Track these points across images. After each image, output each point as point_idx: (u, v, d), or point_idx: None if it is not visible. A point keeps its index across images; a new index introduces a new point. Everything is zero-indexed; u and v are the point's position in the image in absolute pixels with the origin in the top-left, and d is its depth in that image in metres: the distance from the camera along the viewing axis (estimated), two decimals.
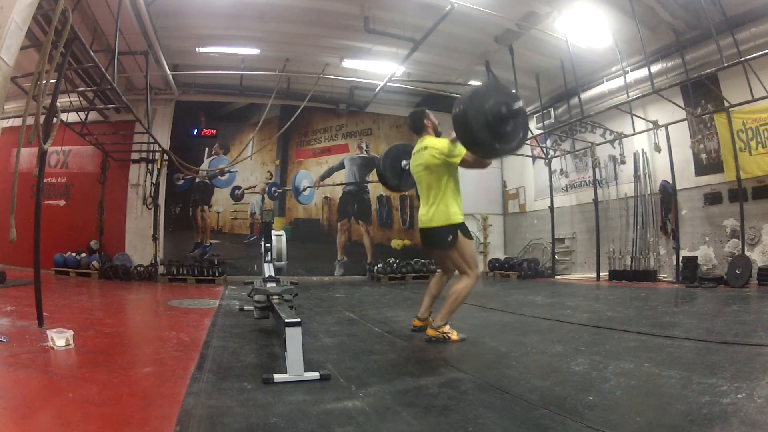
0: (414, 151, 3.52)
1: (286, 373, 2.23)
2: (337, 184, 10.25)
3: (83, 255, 8.37)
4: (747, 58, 5.70)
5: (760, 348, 2.64)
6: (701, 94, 6.97)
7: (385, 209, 10.42)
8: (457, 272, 3.42)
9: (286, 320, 2.33)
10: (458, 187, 3.32)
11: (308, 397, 2.00)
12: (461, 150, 3.12)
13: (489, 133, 2.76)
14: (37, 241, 3.62)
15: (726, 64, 5.85)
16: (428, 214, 3.32)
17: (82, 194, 8.95)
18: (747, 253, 6.34)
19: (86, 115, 7.04)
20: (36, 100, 3.31)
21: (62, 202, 9.03)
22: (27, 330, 3.23)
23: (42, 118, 3.43)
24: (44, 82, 3.32)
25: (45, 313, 3.46)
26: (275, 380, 2.18)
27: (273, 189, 9.93)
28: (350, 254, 10.09)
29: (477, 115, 2.72)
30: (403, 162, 3.91)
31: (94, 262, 8.24)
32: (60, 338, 2.76)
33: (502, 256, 10.96)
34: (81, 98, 6.68)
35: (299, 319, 2.34)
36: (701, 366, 2.32)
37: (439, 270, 3.66)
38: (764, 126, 6.28)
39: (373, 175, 10.45)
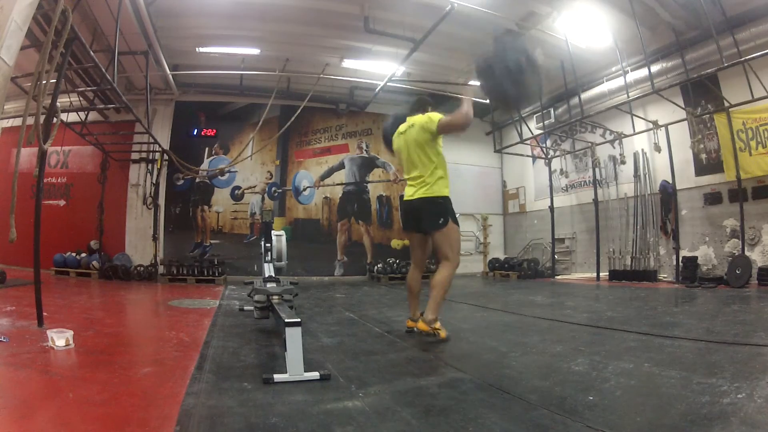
0: (401, 130, 3.52)
1: (286, 373, 2.23)
2: (337, 184, 10.25)
3: (83, 255, 8.38)
4: (747, 58, 5.70)
5: (760, 348, 2.64)
6: (701, 94, 6.98)
7: (385, 209, 10.42)
8: (433, 264, 3.42)
9: (286, 320, 2.32)
10: (446, 167, 3.37)
11: (308, 397, 2.00)
12: (435, 116, 3.24)
13: (512, 83, 2.92)
14: (37, 241, 3.62)
15: (726, 64, 5.86)
16: (415, 188, 3.36)
17: (82, 194, 8.96)
18: (747, 253, 6.35)
19: (86, 115, 7.04)
20: (36, 100, 3.31)
21: (62, 202, 9.04)
22: (27, 330, 3.23)
23: (42, 118, 3.43)
24: (44, 82, 3.32)
25: (45, 313, 3.46)
26: (275, 380, 2.18)
27: (273, 189, 9.93)
28: (350, 254, 10.09)
29: (501, 68, 2.88)
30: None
31: (94, 262, 8.24)
32: (60, 338, 2.76)
33: (502, 256, 10.96)
34: (81, 98, 6.68)
35: (299, 319, 2.33)
36: (701, 366, 2.32)
37: (411, 265, 3.63)
38: (764, 126, 6.29)
39: (373, 175, 10.47)
